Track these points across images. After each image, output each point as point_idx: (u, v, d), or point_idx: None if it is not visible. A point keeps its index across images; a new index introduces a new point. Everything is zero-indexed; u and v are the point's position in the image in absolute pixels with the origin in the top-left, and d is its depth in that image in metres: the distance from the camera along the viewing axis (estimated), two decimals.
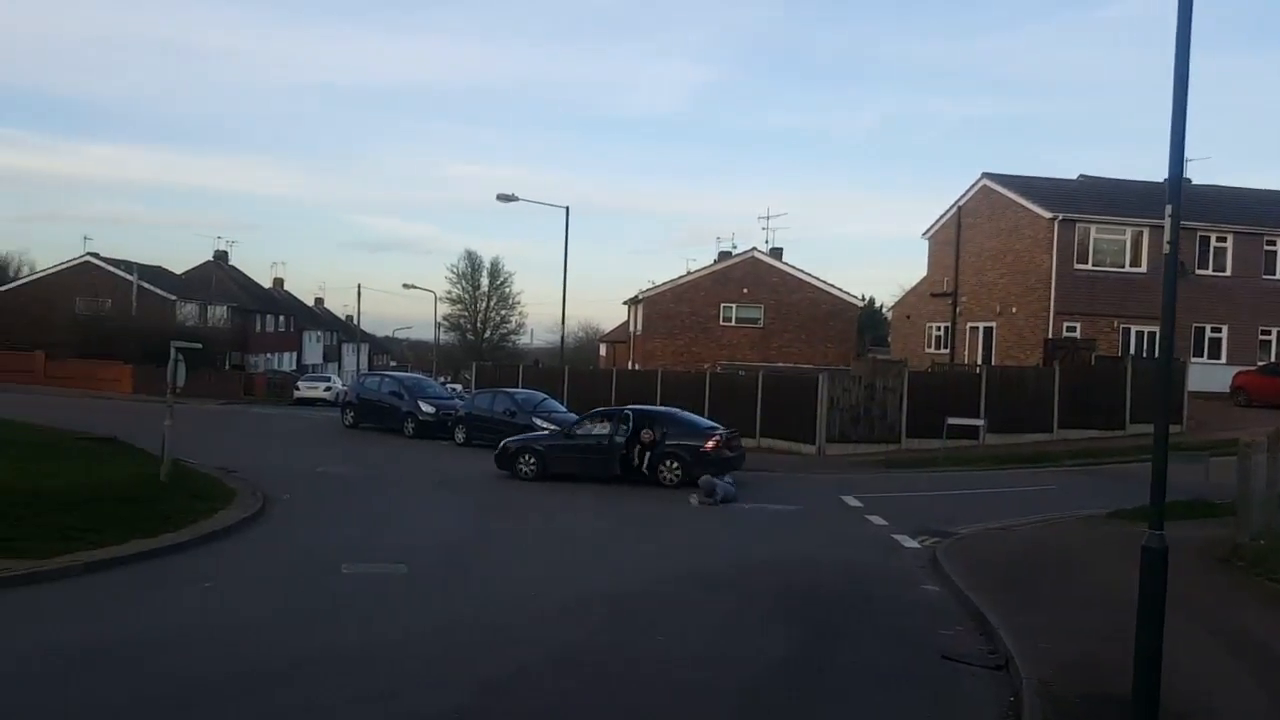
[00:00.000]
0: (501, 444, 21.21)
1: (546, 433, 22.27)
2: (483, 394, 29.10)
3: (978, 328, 38.40)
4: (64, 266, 57.34)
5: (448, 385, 44.73)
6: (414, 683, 7.55)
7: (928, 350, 41.21)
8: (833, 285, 43.69)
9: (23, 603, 9.90)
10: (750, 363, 39.16)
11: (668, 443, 20.04)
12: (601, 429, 20.54)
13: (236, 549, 13.26)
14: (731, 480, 18.95)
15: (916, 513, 17.42)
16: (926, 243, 42.96)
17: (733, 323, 42.49)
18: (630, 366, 43.09)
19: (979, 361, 35.95)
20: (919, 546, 14.56)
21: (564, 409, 27.41)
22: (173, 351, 17.59)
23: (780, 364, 38.47)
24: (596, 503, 18.34)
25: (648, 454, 19.99)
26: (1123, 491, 17.45)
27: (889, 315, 69.58)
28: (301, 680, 7.51)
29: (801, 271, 43.60)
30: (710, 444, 19.93)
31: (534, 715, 6.94)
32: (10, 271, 67.97)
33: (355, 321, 78.41)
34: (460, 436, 27.27)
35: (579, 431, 21.01)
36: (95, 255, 58.07)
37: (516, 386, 31.73)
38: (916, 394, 27.73)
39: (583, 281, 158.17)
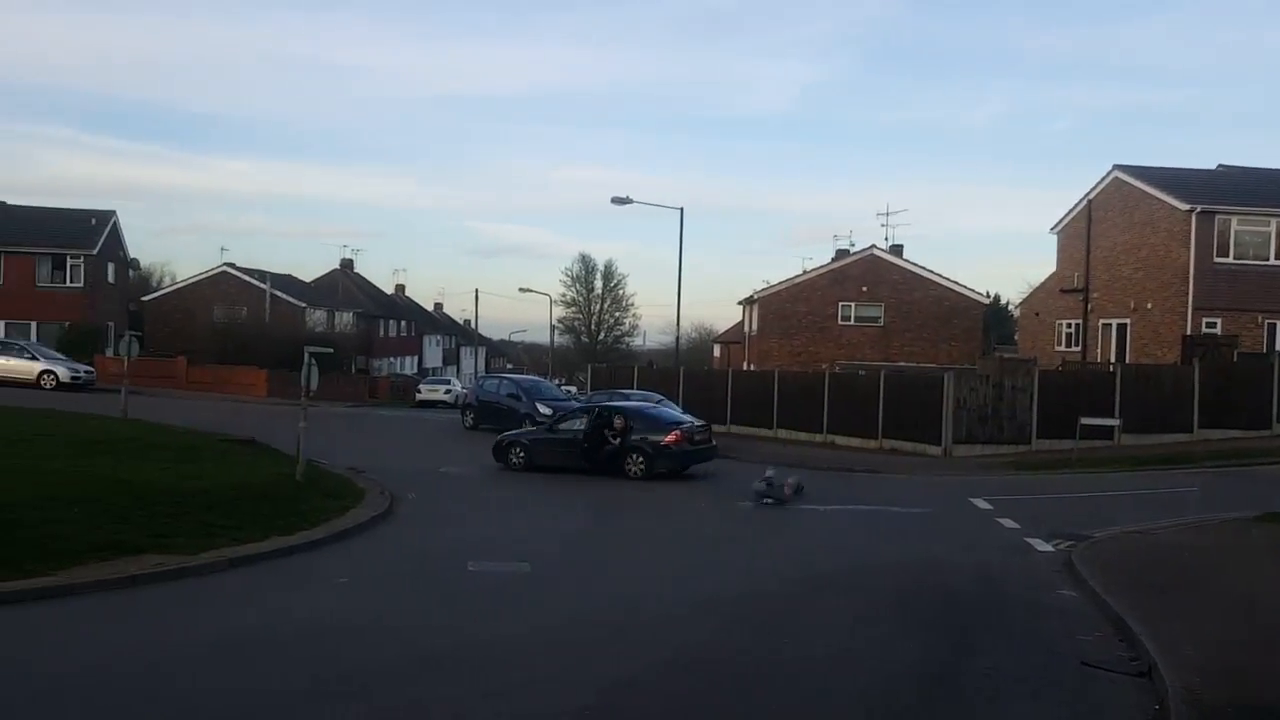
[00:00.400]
0: (497, 439, 22.71)
1: (534, 428, 23.99)
2: (599, 396, 29.28)
3: (1110, 324, 36.78)
4: (203, 276, 60.33)
5: (562, 387, 45.29)
6: (541, 680, 7.61)
7: (1057, 348, 39.68)
8: (956, 282, 42.47)
9: (176, 596, 10.39)
10: (869, 362, 38.43)
11: (633, 437, 20.75)
12: (578, 424, 21.67)
13: (368, 546, 13.63)
14: (794, 478, 18.73)
15: (1049, 515, 16.79)
16: (1055, 238, 41.38)
17: (851, 322, 41.72)
18: (745, 367, 42.80)
19: (1112, 359, 34.42)
20: (1053, 550, 14.02)
21: (678, 411, 27.33)
22: (306, 356, 18.26)
23: (901, 363, 37.65)
24: (715, 505, 18.24)
25: (613, 447, 20.83)
26: (1270, 494, 16.47)
27: (1015, 312, 67.37)
28: (435, 675, 7.65)
29: (923, 268, 42.51)
30: (671, 438, 20.63)
31: (659, 716, 6.89)
32: (153, 282, 71.85)
33: (473, 326, 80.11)
34: None
35: (560, 426, 22.25)
36: (231, 265, 60.92)
37: (631, 388, 31.86)
38: (1047, 393, 26.74)
39: (696, 283, 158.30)
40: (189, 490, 14.87)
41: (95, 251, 45.19)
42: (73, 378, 34.28)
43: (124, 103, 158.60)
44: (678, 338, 39.85)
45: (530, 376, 37.40)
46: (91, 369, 36.44)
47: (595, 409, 21.62)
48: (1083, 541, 14.08)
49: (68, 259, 44.74)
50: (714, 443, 22.64)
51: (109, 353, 42.29)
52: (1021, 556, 13.77)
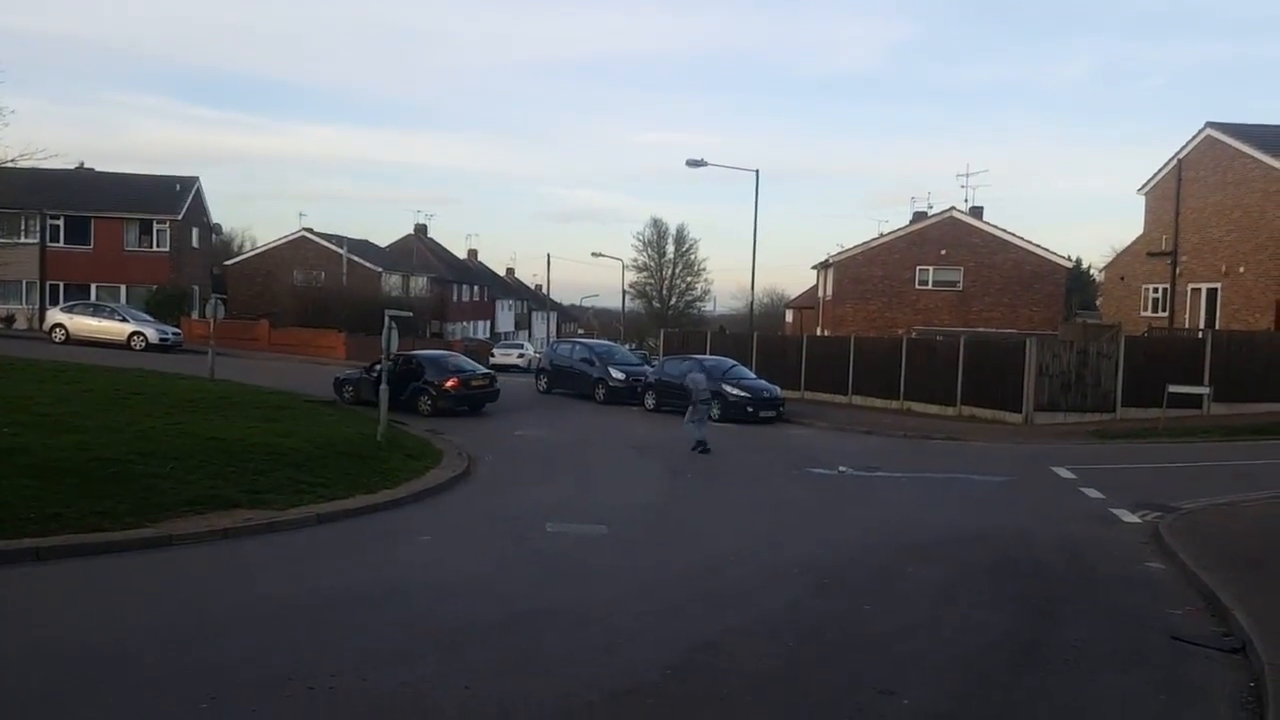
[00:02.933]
0: (334, 378, 25.68)
1: (355, 371, 26.32)
2: (672, 360, 29.24)
3: (1200, 289, 35.51)
4: (282, 241, 61.61)
5: (635, 352, 45.36)
6: (625, 640, 7.68)
7: (1143, 314, 38.47)
8: (1038, 245, 41.25)
9: (268, 549, 10.72)
10: (947, 327, 37.72)
11: (425, 379, 24.22)
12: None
13: (447, 506, 13.90)
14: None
15: (1136, 486, 16.39)
16: (1142, 199, 39.99)
17: (929, 286, 40.82)
18: (819, 332, 42.31)
19: (1201, 326, 33.27)
20: (1140, 521, 13.69)
21: (753, 376, 27.25)
22: (386, 319, 18.57)
23: (980, 329, 36.89)
24: (790, 472, 18.12)
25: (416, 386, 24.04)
26: None
27: (1097, 277, 65.42)
28: (521, 633, 7.76)
29: (1004, 231, 41.34)
30: (450, 383, 23.92)
31: (743, 677, 6.91)
32: (234, 246, 73.62)
33: (545, 290, 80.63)
34: (650, 402, 27.56)
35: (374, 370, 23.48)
36: (310, 230, 62.07)
37: (704, 353, 31.79)
38: (1133, 360, 25.98)
39: (769, 248, 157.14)
40: (278, 448, 15.29)
41: (180, 216, 46.41)
42: (161, 339, 35.35)
43: (207, 71, 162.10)
44: (752, 302, 39.54)
45: (603, 341, 37.53)
46: (179, 331, 37.56)
47: (399, 357, 23.81)
48: (1171, 513, 13.73)
49: (154, 224, 46.03)
50: (496, 388, 25.52)
51: (194, 315, 43.52)
52: (1107, 527, 13.48)
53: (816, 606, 9.11)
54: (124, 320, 35.82)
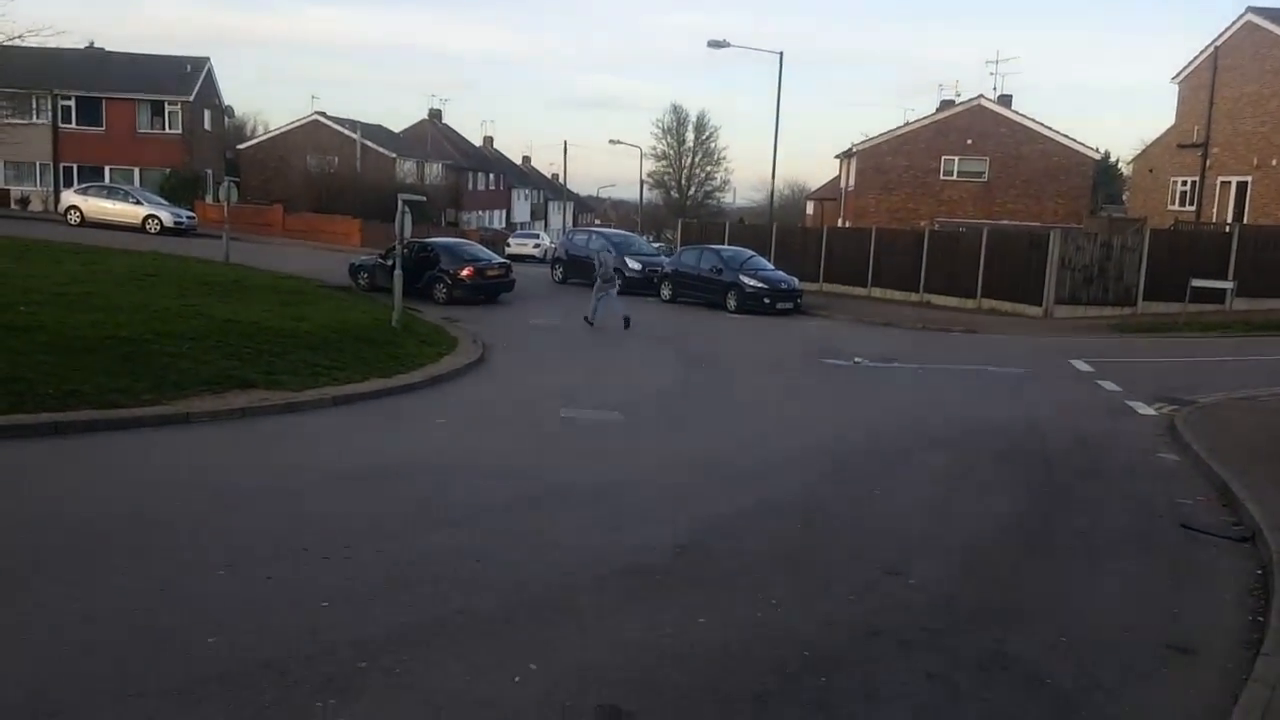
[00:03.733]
0: (350, 264, 25.41)
1: (368, 258, 25.72)
2: (689, 251, 28.92)
3: (1230, 182, 34.67)
4: (295, 125, 60.69)
5: (652, 243, 44.94)
6: (636, 519, 7.76)
7: (1170, 208, 37.70)
8: (1067, 136, 40.14)
9: (284, 428, 10.82)
10: (971, 220, 37.12)
11: (440, 267, 23.86)
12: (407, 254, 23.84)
13: (462, 391, 13.93)
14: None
15: (1153, 379, 16.29)
16: (1175, 88, 38.77)
17: (954, 177, 39.93)
18: (840, 224, 41.76)
19: (1229, 220, 32.60)
20: (1155, 414, 13.65)
21: (771, 267, 26.96)
22: (400, 204, 18.37)
23: (1004, 221, 36.28)
24: (806, 362, 18.08)
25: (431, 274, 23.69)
26: None
27: (1126, 170, 63.99)
28: (532, 510, 7.86)
29: (1032, 120, 40.16)
30: (465, 272, 23.75)
31: (750, 557, 6.98)
32: (247, 131, 72.65)
33: (562, 180, 79.61)
34: (666, 293, 27.39)
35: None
36: (323, 114, 61.06)
37: (723, 244, 31.43)
38: (1157, 254, 25.57)
39: (792, 137, 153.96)
40: (293, 331, 15.33)
41: (192, 98, 45.71)
42: (175, 223, 35.21)
43: None
44: (772, 192, 38.87)
45: (620, 231, 37.07)
46: (193, 215, 37.38)
47: (415, 244, 24.06)
48: (1187, 406, 13.66)
49: (165, 105, 45.40)
50: (511, 278, 25.41)
51: (207, 199, 43.27)
52: (1122, 419, 13.44)
53: (828, 490, 9.16)
54: (139, 203, 35.65)
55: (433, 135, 73.70)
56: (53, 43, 25.40)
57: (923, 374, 17.07)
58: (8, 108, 27.57)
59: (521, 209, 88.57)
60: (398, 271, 18.41)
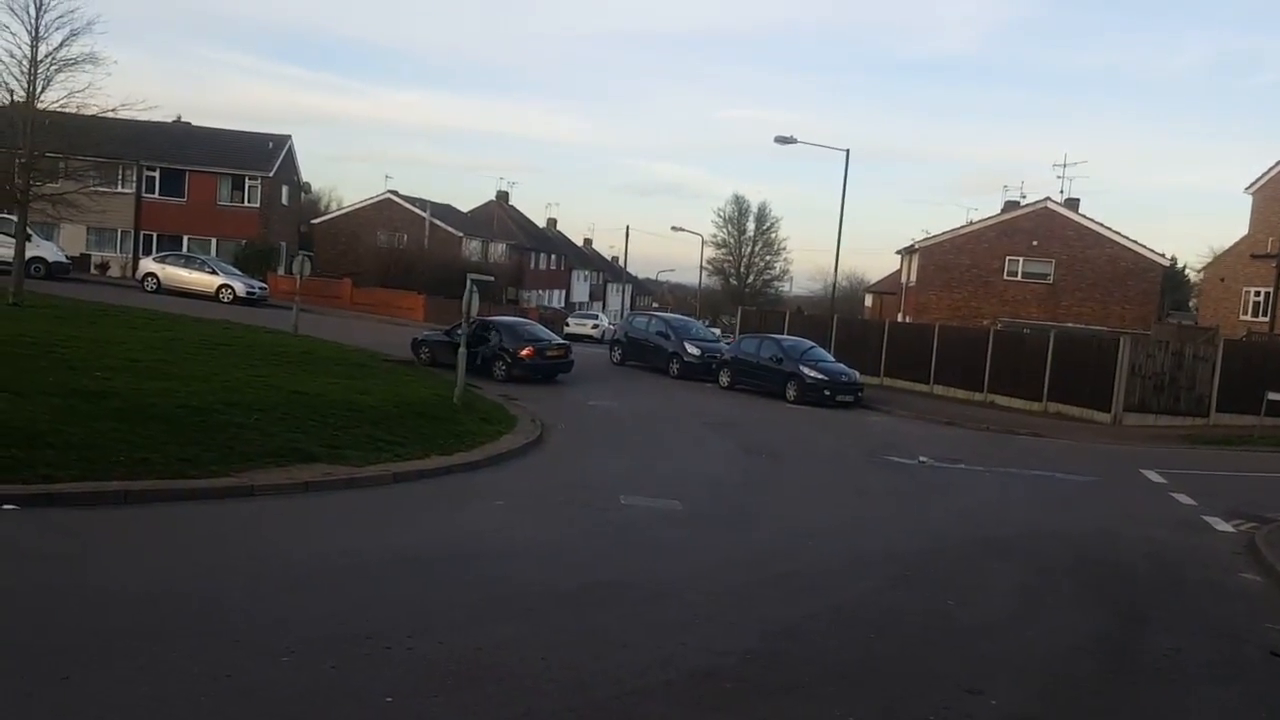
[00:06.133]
0: (413, 338, 25.84)
1: (434, 332, 26.41)
2: (749, 339, 28.88)
3: None
4: (368, 202, 62.46)
5: (710, 328, 44.96)
6: (702, 620, 7.52)
7: (1243, 317, 36.96)
8: (1134, 240, 39.72)
9: (346, 504, 10.79)
10: (1035, 321, 36.67)
11: (499, 347, 23.92)
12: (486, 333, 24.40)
13: (521, 472, 13.84)
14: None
15: (1229, 493, 15.75)
16: (1249, 198, 38.31)
17: (1018, 277, 39.62)
18: (900, 319, 41.50)
19: None
20: (1233, 530, 13.16)
21: (831, 359, 26.75)
22: (468, 282, 18.63)
23: (1069, 324, 35.75)
24: (868, 460, 17.75)
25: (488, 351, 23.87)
26: None
27: (1193, 277, 63.10)
28: (596, 604, 7.67)
29: (1099, 224, 39.88)
30: (525, 351, 23.82)
31: (823, 668, 6.71)
32: (321, 205, 74.88)
33: (623, 263, 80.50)
34: (725, 380, 27.28)
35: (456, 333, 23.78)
36: (395, 193, 62.81)
37: (782, 333, 31.34)
38: (1231, 364, 24.96)
39: (851, 230, 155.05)
40: (357, 405, 15.46)
41: (272, 174, 47.28)
42: (248, 293, 36.11)
43: (299, 31, 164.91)
44: (834, 284, 38.87)
45: (680, 316, 37.20)
46: (265, 285, 38.32)
47: (476, 322, 23.71)
48: (1268, 524, 13.12)
49: (246, 180, 46.98)
50: (571, 358, 25.19)
51: (280, 271, 44.40)
52: (1199, 535, 12.96)
53: (897, 598, 8.85)
54: (214, 272, 36.66)
55: (499, 216, 75.31)
56: (142, 116, 26.39)
57: (989, 477, 16.64)
58: (96, 176, 28.70)
59: (580, 289, 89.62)
60: (463, 349, 18.59)
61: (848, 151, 32.58)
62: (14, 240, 32.66)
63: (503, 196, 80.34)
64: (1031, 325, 34.58)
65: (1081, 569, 10.54)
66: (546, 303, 74.14)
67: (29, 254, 30.05)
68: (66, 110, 23.19)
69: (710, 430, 19.54)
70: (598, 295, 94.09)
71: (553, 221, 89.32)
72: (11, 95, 22.86)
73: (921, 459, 17.51)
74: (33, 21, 22.50)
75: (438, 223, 60.85)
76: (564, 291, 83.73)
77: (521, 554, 9.20)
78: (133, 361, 16.14)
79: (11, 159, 23.86)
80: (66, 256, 37.08)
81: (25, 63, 22.56)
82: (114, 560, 7.92)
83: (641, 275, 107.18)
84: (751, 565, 9.52)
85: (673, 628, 7.20)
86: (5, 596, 6.63)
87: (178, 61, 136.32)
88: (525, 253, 73.38)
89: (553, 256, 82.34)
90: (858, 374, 26.27)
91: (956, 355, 29.21)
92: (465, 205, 77.50)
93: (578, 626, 7.04)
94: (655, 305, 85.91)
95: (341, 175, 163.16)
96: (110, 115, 23.46)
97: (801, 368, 25.29)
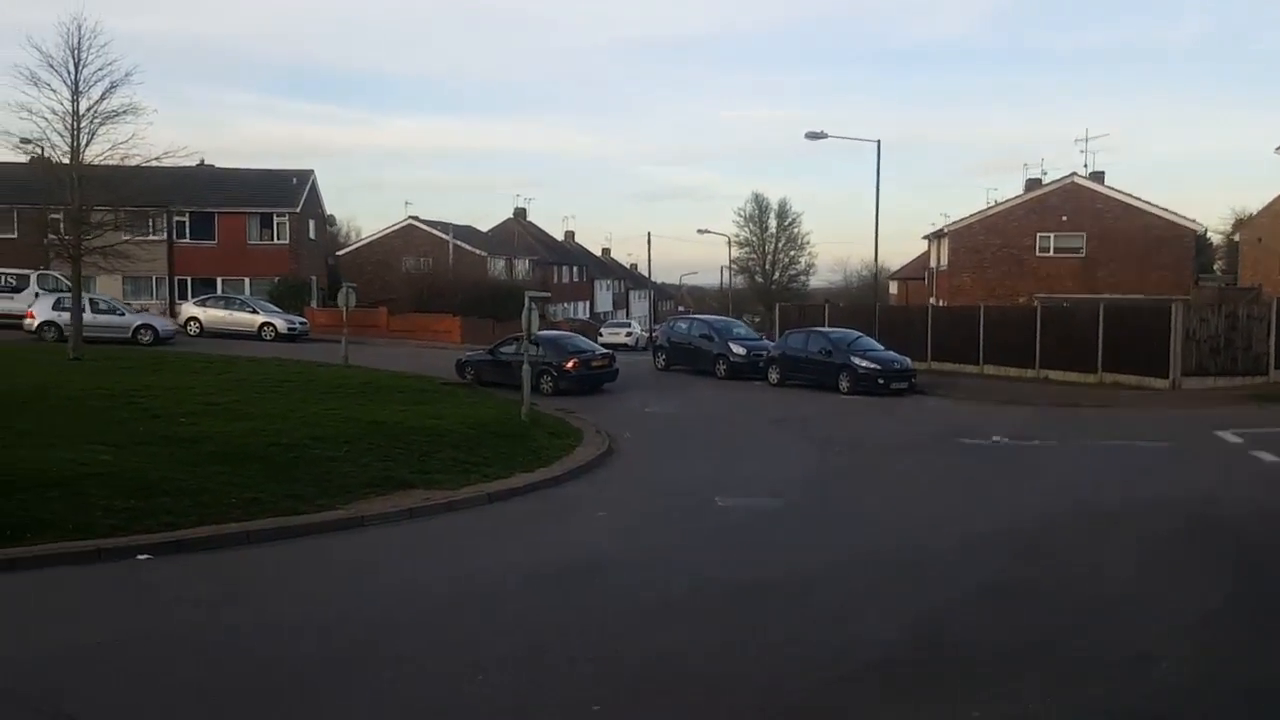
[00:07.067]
0: (457, 360, 26.26)
1: (478, 351, 26.90)
2: (795, 334, 28.84)
3: None
4: (391, 230, 62.93)
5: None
6: (854, 612, 7.59)
7: None
8: (1164, 208, 39.47)
9: (456, 528, 10.93)
10: (1071, 295, 36.48)
11: (545, 360, 23.54)
12: (512, 349, 24.20)
13: (605, 482, 13.92)
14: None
15: None
16: (1278, 159, 38.00)
17: (1050, 253, 39.39)
18: (934, 303, 41.38)
19: None
20: None
21: (880, 347, 26.69)
22: (526, 301, 18.78)
23: (1105, 295, 35.55)
24: (941, 442, 17.69)
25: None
26: None
27: (1215, 240, 62.60)
28: (742, 605, 7.74)
29: (1129, 195, 39.66)
30: (570, 364, 23.98)
31: (988, 646, 6.75)
32: (340, 237, 75.34)
33: (647, 270, 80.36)
34: (774, 377, 27.25)
35: (501, 350, 25.07)
36: (416, 218, 63.25)
37: (822, 325, 31.34)
38: None
39: (865, 219, 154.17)
40: (435, 429, 15.61)
41: (298, 209, 47.69)
42: (289, 329, 36.43)
43: (302, 66, 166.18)
44: (876, 274, 38.89)
45: (721, 317, 37.23)
46: (305, 320, 38.67)
47: (517, 338, 23.76)
48: None
49: (274, 217, 47.39)
50: (615, 368, 25.43)
51: (313, 304, 44.79)
52: None
53: (1028, 574, 8.88)
54: (254, 311, 37.03)
55: (518, 233, 75.65)
56: (184, 163, 26.73)
57: (1067, 451, 16.58)
58: (142, 227, 29.17)
59: (604, 299, 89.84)
60: (526, 366, 18.75)
61: (879, 143, 32.57)
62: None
63: (520, 213, 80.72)
64: (1068, 299, 34.41)
65: (1192, 532, 10.55)
66: (572, 315, 74.33)
67: (136, 323, 31.08)
68: (110, 163, 23.53)
69: (775, 427, 19.55)
70: (621, 303, 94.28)
71: (570, 234, 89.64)
72: (55, 150, 23.22)
73: (995, 438, 17.47)
74: (72, 77, 22.85)
75: (461, 244, 61.19)
76: (588, 302, 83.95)
77: (646, 562, 9.29)
78: (210, 405, 16.36)
79: (61, 215, 24.27)
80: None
81: (68, 118, 22.91)
82: (268, 597, 8.07)
83: (663, 280, 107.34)
84: (873, 555, 9.58)
85: (828, 622, 7.27)
86: (182, 643, 6.77)
87: (187, 106, 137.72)
88: (548, 267, 73.66)
89: (574, 269, 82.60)
90: (909, 360, 26.23)
91: (1005, 334, 29.12)
92: (484, 225, 77.96)
93: (737, 627, 7.12)
94: (681, 309, 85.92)
95: (356, 205, 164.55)
96: (154, 164, 23.77)
97: (853, 358, 25.27)
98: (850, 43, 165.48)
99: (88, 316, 29.46)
